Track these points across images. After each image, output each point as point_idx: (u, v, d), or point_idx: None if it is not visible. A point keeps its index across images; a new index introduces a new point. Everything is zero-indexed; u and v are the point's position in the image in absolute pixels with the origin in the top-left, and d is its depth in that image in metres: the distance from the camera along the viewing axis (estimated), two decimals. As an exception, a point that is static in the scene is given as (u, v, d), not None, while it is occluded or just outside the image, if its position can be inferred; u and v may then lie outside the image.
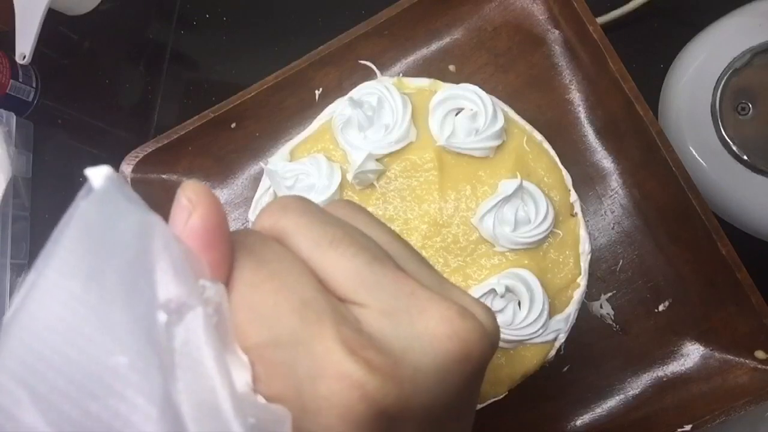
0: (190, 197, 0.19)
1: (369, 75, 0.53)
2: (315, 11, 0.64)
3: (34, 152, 0.69)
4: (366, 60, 0.53)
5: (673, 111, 0.54)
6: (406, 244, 0.23)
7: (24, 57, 0.60)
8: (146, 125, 0.66)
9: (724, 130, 0.51)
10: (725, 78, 0.51)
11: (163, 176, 0.55)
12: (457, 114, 0.47)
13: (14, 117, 0.66)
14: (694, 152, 0.53)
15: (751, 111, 0.51)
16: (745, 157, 0.50)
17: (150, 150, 0.53)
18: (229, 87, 0.53)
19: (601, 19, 0.54)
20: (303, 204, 0.22)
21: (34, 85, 0.69)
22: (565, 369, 0.51)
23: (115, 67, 0.69)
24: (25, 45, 0.60)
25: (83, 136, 0.69)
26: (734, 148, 0.50)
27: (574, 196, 0.47)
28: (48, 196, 0.68)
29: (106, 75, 0.69)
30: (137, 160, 0.53)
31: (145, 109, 0.67)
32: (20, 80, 0.66)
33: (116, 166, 0.59)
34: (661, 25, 0.58)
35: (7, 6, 0.60)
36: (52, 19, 0.63)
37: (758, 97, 0.51)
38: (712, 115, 0.51)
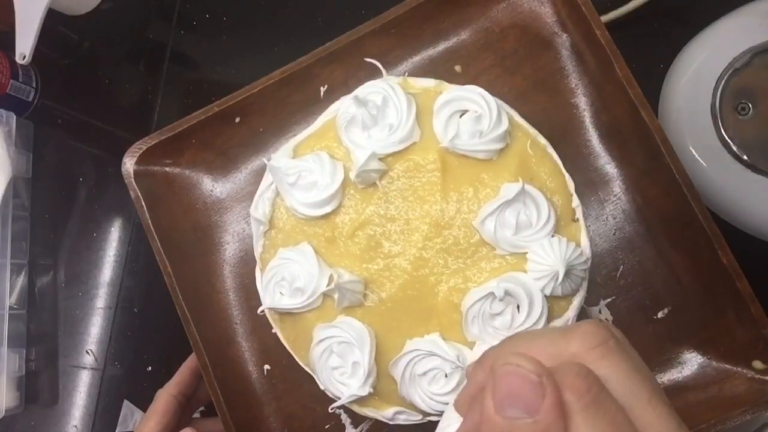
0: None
1: (375, 73, 0.53)
2: (315, 12, 0.64)
3: (34, 152, 0.69)
4: (372, 58, 0.52)
5: (673, 111, 0.54)
6: None
7: (24, 57, 0.60)
8: (146, 125, 0.66)
9: (724, 130, 0.51)
10: (725, 78, 0.51)
11: (166, 169, 0.55)
12: (461, 116, 0.47)
13: (14, 117, 0.66)
14: (694, 152, 0.52)
15: (751, 111, 0.51)
16: (745, 157, 0.50)
17: (153, 142, 0.53)
18: (229, 87, 0.53)
19: (602, 19, 0.54)
20: (620, 346, 0.24)
21: (34, 85, 0.69)
22: (562, 373, 0.51)
23: (115, 67, 0.69)
24: (25, 45, 0.60)
25: (83, 136, 0.69)
26: (734, 148, 0.50)
27: (576, 201, 0.47)
28: (48, 196, 0.67)
29: (106, 75, 0.69)
30: (140, 152, 0.53)
31: (145, 109, 0.67)
32: (20, 80, 0.66)
33: (115, 166, 0.59)
34: (661, 25, 0.58)
35: (7, 6, 0.60)
36: (52, 19, 0.63)
37: (758, 97, 0.50)
38: (712, 115, 0.51)
